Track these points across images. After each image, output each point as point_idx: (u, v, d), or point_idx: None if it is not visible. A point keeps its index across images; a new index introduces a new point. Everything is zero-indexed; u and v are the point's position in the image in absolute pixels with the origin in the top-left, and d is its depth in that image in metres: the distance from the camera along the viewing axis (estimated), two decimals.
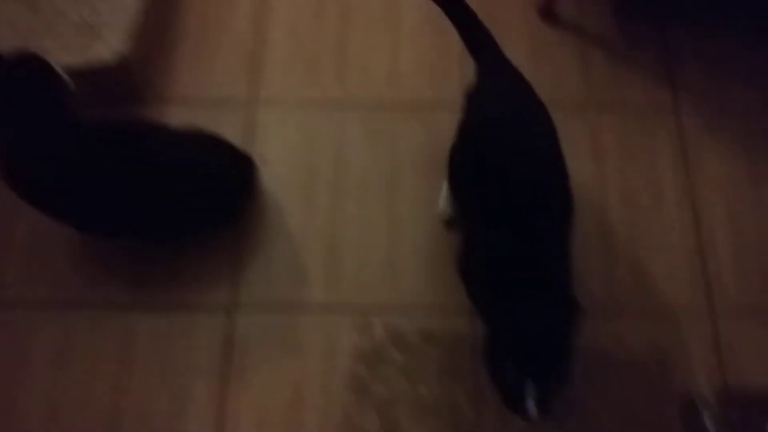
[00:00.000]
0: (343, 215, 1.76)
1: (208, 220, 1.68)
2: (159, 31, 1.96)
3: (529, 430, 1.54)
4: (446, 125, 1.74)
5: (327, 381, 1.60)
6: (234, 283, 1.69)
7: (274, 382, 1.60)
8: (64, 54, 1.79)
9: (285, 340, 1.64)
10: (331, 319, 1.66)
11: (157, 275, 1.69)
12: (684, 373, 1.62)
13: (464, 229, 1.54)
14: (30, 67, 1.43)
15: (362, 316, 1.66)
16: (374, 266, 1.71)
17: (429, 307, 1.67)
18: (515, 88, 1.50)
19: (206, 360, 1.61)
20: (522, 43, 1.97)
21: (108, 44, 1.80)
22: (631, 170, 1.83)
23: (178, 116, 1.83)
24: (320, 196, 1.78)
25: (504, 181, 1.35)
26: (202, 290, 1.68)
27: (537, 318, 1.23)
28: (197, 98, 1.88)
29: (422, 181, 1.80)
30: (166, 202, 1.55)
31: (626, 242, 1.75)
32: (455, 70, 1.93)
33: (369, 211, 1.77)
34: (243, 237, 1.73)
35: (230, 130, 1.80)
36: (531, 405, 1.18)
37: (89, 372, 1.60)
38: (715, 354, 1.64)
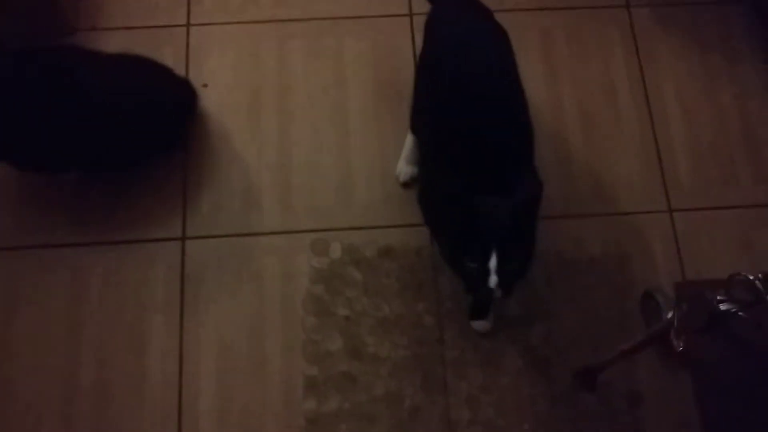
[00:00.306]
0: (291, 137, 1.71)
1: (149, 149, 1.62)
2: None
3: (492, 336, 1.55)
4: (393, 38, 1.70)
5: (287, 304, 1.58)
6: (184, 213, 1.64)
7: (233, 309, 1.57)
8: None
9: (241, 267, 1.60)
10: (286, 243, 1.62)
11: (104, 211, 1.64)
12: (643, 270, 1.62)
13: (426, 159, 1.50)
14: None
15: (318, 237, 1.63)
16: (327, 187, 1.67)
17: (386, 224, 1.64)
18: (472, 14, 1.47)
19: (162, 292, 1.58)
20: None
21: None
22: (584, 69, 1.79)
23: (113, 45, 1.74)
24: (266, 119, 1.72)
25: (465, 101, 1.33)
26: (151, 223, 1.63)
27: (499, 202, 1.22)
28: (131, 24, 1.79)
29: (371, 97, 1.74)
30: (104, 131, 1.48)
31: (583, 143, 1.72)
32: None
33: (318, 132, 1.72)
34: (190, 165, 1.68)
35: (168, 56, 1.74)
36: (494, 282, 1.19)
37: (42, 314, 1.56)
38: (673, 249, 1.65)
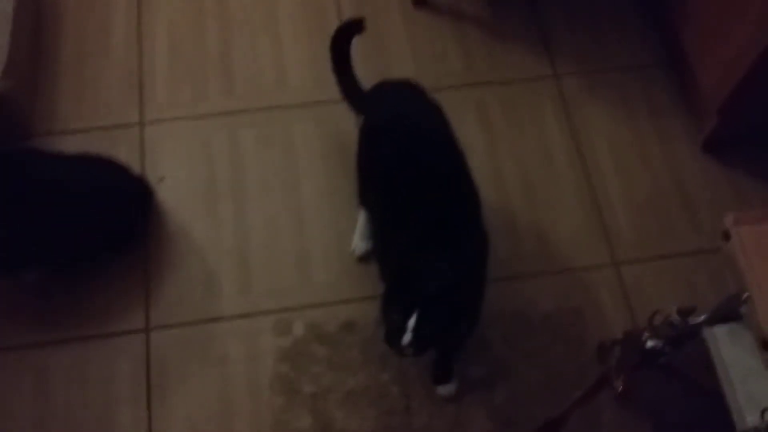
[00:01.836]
0: (247, 222, 1.76)
1: (106, 244, 1.66)
2: (37, 64, 1.92)
3: (458, 400, 1.58)
4: (339, 119, 1.78)
5: (253, 386, 1.59)
6: (147, 305, 1.66)
7: (200, 396, 1.58)
8: None
9: (205, 353, 1.62)
10: (248, 326, 1.65)
11: (66, 308, 1.65)
12: (596, 322, 1.68)
13: (377, 225, 1.57)
14: None
15: (280, 317, 1.66)
16: (286, 268, 1.72)
17: (345, 299, 1.69)
18: (405, 91, 1.58)
19: (127, 386, 1.58)
20: (401, 32, 2.02)
21: None
22: (520, 137, 1.90)
23: (68, 146, 1.77)
24: (222, 207, 1.77)
25: (405, 171, 1.40)
26: (114, 316, 1.65)
27: (440, 266, 1.28)
28: (86, 127, 1.85)
29: (322, 177, 1.82)
30: (60, 228, 1.52)
31: (526, 207, 1.81)
32: None
33: (273, 215, 1.77)
34: (149, 258, 1.71)
35: (124, 153, 1.80)
36: (407, 340, 1.23)
37: (5, 418, 1.54)
38: (622, 299, 1.71)
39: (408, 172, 1.40)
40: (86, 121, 1.86)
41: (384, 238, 1.49)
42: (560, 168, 1.87)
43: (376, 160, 1.49)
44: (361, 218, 1.71)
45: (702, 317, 1.02)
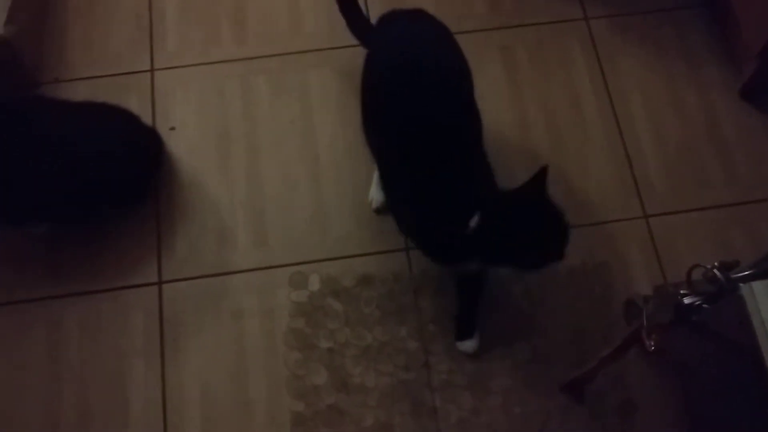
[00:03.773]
0: (261, 173, 1.70)
1: (116, 197, 1.61)
2: (44, 10, 1.86)
3: (478, 357, 1.54)
4: (356, 66, 1.70)
5: (268, 341, 1.55)
6: (159, 258, 1.62)
7: (214, 350, 1.55)
8: None
9: (219, 307, 1.58)
10: (263, 280, 1.61)
11: (79, 261, 1.62)
12: (623, 278, 1.62)
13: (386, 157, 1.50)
14: None
15: (295, 270, 1.61)
16: (301, 220, 1.67)
17: (362, 252, 1.64)
18: (409, 20, 1.52)
19: (141, 339, 1.56)
20: None
21: None
22: (547, 84, 1.81)
23: (77, 95, 1.74)
24: (235, 157, 1.72)
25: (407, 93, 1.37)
26: (127, 269, 1.61)
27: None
28: (95, 74, 1.80)
29: (338, 127, 1.75)
30: (70, 182, 1.47)
31: (553, 157, 1.72)
32: None
33: (288, 166, 1.71)
34: (162, 209, 1.67)
35: (134, 102, 1.75)
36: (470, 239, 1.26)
37: (20, 369, 1.53)
38: (652, 254, 1.64)
39: (414, 101, 1.35)
40: (95, 69, 1.80)
41: (398, 169, 1.43)
42: (589, 115, 1.78)
43: (381, 91, 1.42)
44: (377, 170, 1.64)
45: (746, 272, 0.95)
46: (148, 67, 1.81)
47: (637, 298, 1.39)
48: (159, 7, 1.88)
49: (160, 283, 1.60)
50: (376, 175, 1.65)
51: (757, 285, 0.97)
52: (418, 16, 1.52)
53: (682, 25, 1.89)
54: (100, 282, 1.60)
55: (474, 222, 1.25)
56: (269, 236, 1.65)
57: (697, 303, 0.91)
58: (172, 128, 1.74)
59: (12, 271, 1.61)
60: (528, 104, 1.78)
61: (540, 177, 1.27)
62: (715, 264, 0.91)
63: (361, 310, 1.58)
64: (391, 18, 1.52)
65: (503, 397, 1.52)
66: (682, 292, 0.92)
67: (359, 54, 1.57)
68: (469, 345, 1.54)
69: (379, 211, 1.65)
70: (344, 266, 1.62)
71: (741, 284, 0.96)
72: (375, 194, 1.65)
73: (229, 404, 1.51)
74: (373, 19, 1.56)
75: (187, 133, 1.74)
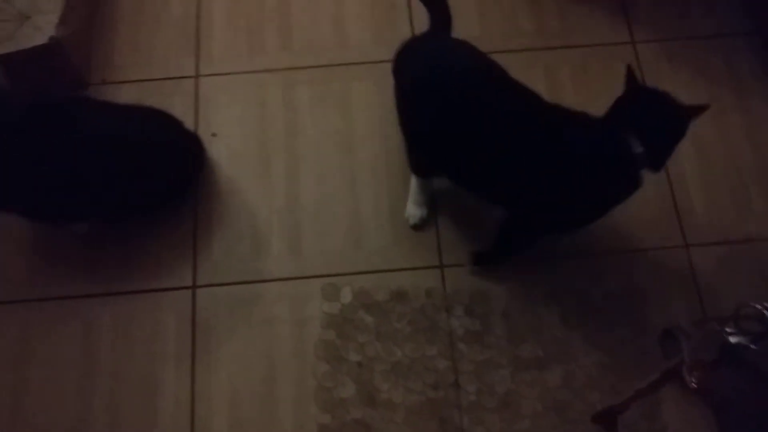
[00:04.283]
0: (299, 182, 1.71)
1: (158, 200, 1.63)
2: (95, 13, 1.89)
3: (509, 379, 1.52)
4: None
5: (298, 351, 1.56)
6: (195, 262, 1.64)
7: (244, 357, 1.55)
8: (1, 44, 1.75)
9: (252, 314, 1.59)
10: (296, 289, 1.61)
11: (116, 261, 1.64)
12: (661, 307, 1.59)
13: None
14: None
15: (328, 282, 1.61)
16: (337, 232, 1.67)
17: (396, 267, 1.63)
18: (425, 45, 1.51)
19: (173, 342, 1.57)
20: None
21: (41, 30, 1.73)
22: (591, 106, 1.77)
23: (123, 97, 1.77)
24: (275, 166, 1.73)
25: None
26: (162, 272, 1.63)
27: None
28: (141, 77, 1.82)
29: (378, 141, 1.75)
30: (114, 182, 1.49)
31: None
32: (402, 26, 1.88)
33: (326, 177, 1.72)
34: (200, 214, 1.68)
35: (178, 106, 1.77)
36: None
37: (53, 364, 1.55)
38: (691, 284, 1.61)
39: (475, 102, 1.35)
40: (142, 72, 1.83)
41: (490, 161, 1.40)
42: None
43: (435, 111, 1.39)
44: (414, 185, 1.64)
45: None
46: (193, 73, 1.83)
47: (676, 330, 1.36)
48: (206, 14, 1.90)
49: (194, 287, 1.62)
50: (412, 191, 1.64)
51: None
52: (429, 37, 1.51)
53: (730, 52, 1.86)
54: (136, 283, 1.62)
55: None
56: (304, 246, 1.65)
57: (745, 343, 0.89)
58: (214, 134, 1.75)
59: (53, 267, 1.64)
60: None
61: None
62: (765, 304, 0.88)
63: (392, 325, 1.58)
64: (407, 49, 1.51)
65: (532, 422, 1.50)
66: (727, 330, 0.89)
67: None
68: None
69: (416, 227, 1.65)
70: (377, 280, 1.61)
71: None
72: (412, 210, 1.64)
73: (257, 412, 1.51)
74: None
75: (228, 139, 1.75)
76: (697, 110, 1.31)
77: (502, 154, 1.34)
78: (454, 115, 1.35)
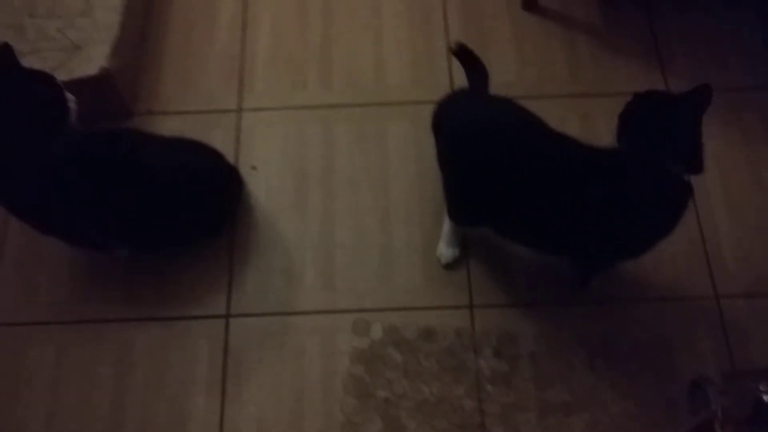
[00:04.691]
0: (334, 218, 1.75)
1: (196, 230, 1.68)
2: (143, 46, 1.96)
3: (535, 423, 1.52)
4: None
5: (327, 385, 1.58)
6: (229, 291, 1.67)
7: (273, 389, 1.58)
8: (51, 73, 1.81)
9: (283, 346, 1.62)
10: (327, 323, 1.64)
11: (152, 287, 1.68)
12: (689, 357, 1.59)
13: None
14: (33, 79, 1.44)
15: (359, 317, 1.64)
16: (369, 268, 1.69)
17: (426, 306, 1.65)
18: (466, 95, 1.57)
19: (204, 371, 1.60)
20: (507, 34, 1.96)
21: (93, 60, 1.80)
22: None
23: (166, 128, 1.83)
24: (311, 200, 1.77)
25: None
26: (196, 300, 1.67)
27: None
28: (185, 110, 1.88)
29: (412, 180, 1.78)
30: (158, 212, 1.54)
31: None
32: (440, 68, 1.92)
33: (361, 213, 1.75)
34: (236, 245, 1.72)
35: (219, 138, 1.82)
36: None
37: (86, 387, 1.59)
38: (721, 336, 1.61)
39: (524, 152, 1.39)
40: (186, 104, 1.89)
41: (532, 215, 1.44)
42: None
43: (480, 167, 1.42)
44: (447, 225, 1.66)
45: None
46: (235, 107, 1.89)
47: (704, 382, 1.36)
48: (251, 49, 1.96)
49: (227, 316, 1.65)
50: (445, 231, 1.67)
51: None
52: (473, 94, 1.56)
53: (765, 103, 1.86)
54: (171, 309, 1.66)
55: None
56: (336, 280, 1.68)
57: None
58: (254, 167, 1.80)
59: (91, 290, 1.68)
60: None
61: None
62: None
63: (421, 363, 1.59)
64: (449, 102, 1.57)
65: None
66: (761, 388, 0.90)
67: None
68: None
69: (448, 266, 1.67)
70: (408, 317, 1.63)
71: None
72: (444, 250, 1.67)
73: None
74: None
75: (266, 173, 1.80)
76: (700, 100, 1.33)
77: (554, 203, 1.38)
78: (501, 170, 1.39)
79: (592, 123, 1.84)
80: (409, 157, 1.81)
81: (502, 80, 1.84)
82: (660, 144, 1.31)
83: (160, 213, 1.54)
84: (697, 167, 1.34)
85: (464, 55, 1.53)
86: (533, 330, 1.62)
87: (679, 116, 1.32)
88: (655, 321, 1.63)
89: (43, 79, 1.46)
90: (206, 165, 1.65)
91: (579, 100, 1.87)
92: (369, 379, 1.58)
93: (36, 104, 1.42)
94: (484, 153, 1.40)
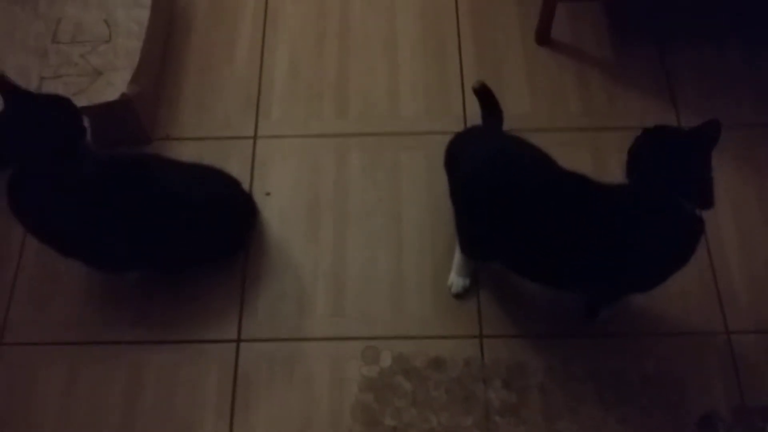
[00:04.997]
0: (346, 245, 1.76)
1: (209, 255, 1.70)
2: (163, 72, 2.01)
3: None
4: None
5: (335, 412, 1.58)
6: (241, 316, 1.68)
7: (282, 414, 1.58)
8: (73, 98, 1.84)
9: (292, 372, 1.62)
10: (337, 350, 1.64)
11: (163, 310, 1.70)
12: (699, 392, 1.58)
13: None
14: (50, 103, 1.47)
15: (369, 345, 1.64)
16: (380, 296, 1.70)
17: (436, 335, 1.66)
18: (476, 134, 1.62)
19: (213, 394, 1.60)
20: (520, 66, 1.99)
21: (114, 86, 1.84)
22: None
23: (184, 153, 1.86)
24: (323, 228, 1.78)
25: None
26: (208, 324, 1.68)
27: None
28: (202, 136, 1.91)
29: (424, 209, 1.80)
30: (177, 236, 1.56)
31: None
32: (454, 99, 1.95)
33: (373, 242, 1.77)
34: (248, 270, 1.74)
35: (235, 165, 1.85)
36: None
37: (97, 408, 1.60)
38: (731, 371, 1.60)
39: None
40: (203, 131, 1.92)
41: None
42: None
43: (494, 206, 1.44)
44: (458, 256, 1.68)
45: None
46: (251, 134, 1.92)
47: (714, 417, 1.35)
48: (268, 78, 2.00)
49: (238, 341, 1.66)
50: (456, 261, 1.68)
51: None
52: (486, 131, 1.59)
53: None
54: (182, 332, 1.67)
55: None
56: (347, 308, 1.69)
57: None
58: (268, 194, 1.82)
59: (104, 312, 1.70)
60: None
61: None
62: None
63: (429, 393, 1.59)
64: (459, 141, 1.60)
65: None
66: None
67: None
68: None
69: (458, 296, 1.68)
70: (417, 346, 1.64)
71: None
72: (455, 279, 1.68)
73: None
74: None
75: (280, 199, 1.82)
76: (709, 135, 1.34)
77: (566, 241, 1.39)
78: (513, 209, 1.41)
79: (604, 157, 1.85)
80: (422, 187, 1.83)
81: (515, 112, 1.87)
82: (670, 180, 1.33)
83: (178, 236, 1.56)
84: (708, 202, 1.34)
85: (484, 94, 1.56)
86: (543, 361, 1.62)
87: (689, 152, 1.33)
88: (666, 355, 1.62)
89: (57, 101, 1.49)
90: (224, 191, 1.68)
91: (591, 133, 1.89)
92: (377, 407, 1.58)
93: (52, 126, 1.45)
94: (497, 192, 1.43)
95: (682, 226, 1.36)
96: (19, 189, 1.45)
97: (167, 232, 1.54)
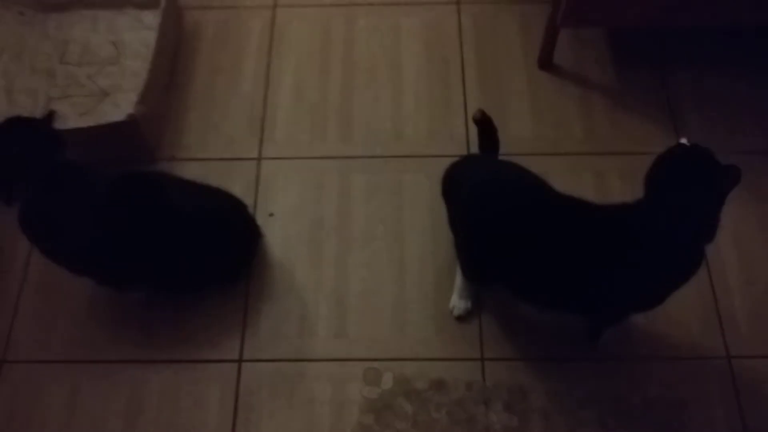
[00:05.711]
0: (349, 267, 1.77)
1: (213, 275, 1.71)
2: (169, 93, 2.03)
3: None
4: None
5: None
6: (243, 336, 1.69)
7: None
8: (80, 118, 1.88)
9: (294, 392, 1.62)
10: (338, 371, 1.64)
11: (166, 329, 1.70)
12: (701, 417, 1.58)
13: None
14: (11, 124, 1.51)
15: (370, 366, 1.65)
16: (382, 318, 1.71)
17: (438, 357, 1.66)
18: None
19: (215, 414, 1.60)
20: (523, 92, 2.01)
21: (120, 107, 1.87)
22: None
23: (189, 174, 1.84)
24: (326, 249, 1.80)
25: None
26: (210, 345, 1.68)
27: None
28: (207, 156, 1.93)
29: (427, 232, 1.81)
30: (185, 254, 1.58)
31: None
32: (457, 123, 1.97)
33: (375, 263, 1.78)
34: (251, 290, 1.75)
35: (238, 185, 1.86)
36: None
37: (99, 426, 1.59)
38: (732, 396, 1.60)
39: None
40: (208, 151, 1.94)
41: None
42: None
43: (495, 232, 1.45)
44: (459, 278, 1.69)
45: None
46: (256, 155, 1.93)
47: None
48: (273, 99, 2.02)
49: (240, 360, 1.66)
50: (458, 283, 1.69)
51: None
52: (483, 159, 1.61)
53: None
54: (185, 352, 1.68)
55: None
56: (349, 329, 1.70)
57: None
58: (271, 214, 1.84)
59: (107, 330, 1.71)
60: None
61: None
62: None
63: (430, 415, 1.59)
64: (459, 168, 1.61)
65: None
66: None
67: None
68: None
69: (460, 318, 1.68)
70: (419, 368, 1.64)
71: None
72: (457, 302, 1.68)
73: None
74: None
75: (284, 221, 1.83)
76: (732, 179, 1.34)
77: (566, 265, 1.40)
78: (512, 235, 1.42)
79: (606, 181, 1.86)
80: (424, 209, 1.84)
81: (518, 136, 1.89)
82: (682, 215, 1.34)
83: (185, 256, 1.58)
84: (711, 239, 1.37)
85: (484, 123, 1.58)
86: (544, 385, 1.62)
87: (710, 191, 1.35)
88: (668, 380, 1.62)
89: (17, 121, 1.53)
90: (231, 214, 1.69)
91: (593, 158, 1.91)
92: (378, 429, 1.58)
93: (23, 142, 1.48)
94: (497, 216, 1.44)
95: (682, 253, 1.37)
96: (31, 210, 1.47)
97: (171, 250, 1.55)
